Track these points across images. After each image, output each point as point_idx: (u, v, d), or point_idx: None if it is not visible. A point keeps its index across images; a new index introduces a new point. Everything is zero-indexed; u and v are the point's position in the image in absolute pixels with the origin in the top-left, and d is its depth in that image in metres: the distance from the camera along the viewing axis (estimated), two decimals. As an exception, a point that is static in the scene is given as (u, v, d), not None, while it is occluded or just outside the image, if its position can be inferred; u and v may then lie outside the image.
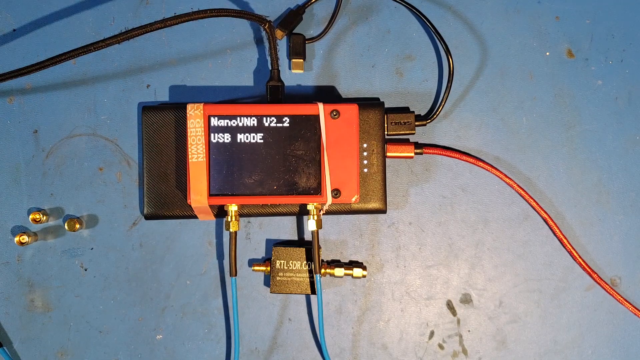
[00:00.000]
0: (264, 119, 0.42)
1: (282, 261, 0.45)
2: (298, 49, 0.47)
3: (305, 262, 0.45)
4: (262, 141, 0.42)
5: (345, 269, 0.45)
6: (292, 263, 0.45)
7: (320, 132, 0.42)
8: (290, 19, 0.47)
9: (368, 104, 0.45)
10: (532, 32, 0.48)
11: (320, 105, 0.42)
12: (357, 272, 0.46)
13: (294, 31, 0.47)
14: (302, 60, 0.47)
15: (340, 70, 0.47)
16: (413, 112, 0.46)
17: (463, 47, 0.48)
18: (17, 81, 0.47)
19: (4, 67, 0.45)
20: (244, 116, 0.42)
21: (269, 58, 0.46)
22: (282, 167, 0.42)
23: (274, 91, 0.45)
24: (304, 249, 0.45)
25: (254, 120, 0.42)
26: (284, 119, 0.42)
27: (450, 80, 0.46)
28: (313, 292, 0.45)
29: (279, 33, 0.46)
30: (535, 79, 0.48)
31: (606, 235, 0.47)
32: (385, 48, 0.48)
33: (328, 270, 0.45)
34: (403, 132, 0.46)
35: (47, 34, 0.47)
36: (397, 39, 0.48)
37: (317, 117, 0.42)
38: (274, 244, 0.46)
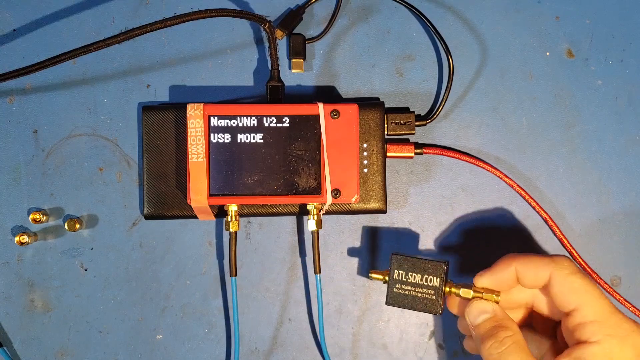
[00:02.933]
0: (264, 119, 0.42)
1: (401, 272, 0.41)
2: (298, 49, 0.47)
3: (427, 276, 0.41)
4: (262, 141, 0.42)
5: (474, 291, 0.40)
6: (411, 275, 0.41)
7: (320, 132, 0.42)
8: (290, 19, 0.47)
9: (368, 104, 0.45)
10: (532, 32, 0.48)
11: (320, 105, 0.42)
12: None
13: (294, 31, 0.47)
14: (302, 60, 0.47)
15: (340, 70, 0.47)
16: (413, 112, 0.46)
17: (463, 47, 0.48)
18: (17, 81, 0.47)
19: (4, 67, 0.45)
20: (244, 116, 0.42)
21: (269, 58, 0.46)
22: (282, 167, 0.42)
23: (274, 91, 0.45)
24: (428, 262, 0.41)
25: (254, 120, 0.42)
26: (284, 119, 0.42)
27: (450, 80, 0.46)
28: (436, 311, 0.40)
29: (279, 33, 0.46)
30: (535, 79, 0.48)
31: (606, 235, 0.47)
32: (385, 48, 0.48)
33: (453, 290, 0.40)
34: (403, 132, 0.46)
35: (47, 34, 0.47)
36: (397, 39, 0.48)
37: (317, 117, 0.42)
38: (393, 253, 0.42)
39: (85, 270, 0.47)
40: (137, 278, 0.47)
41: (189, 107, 0.42)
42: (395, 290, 0.41)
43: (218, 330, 0.46)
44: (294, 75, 0.47)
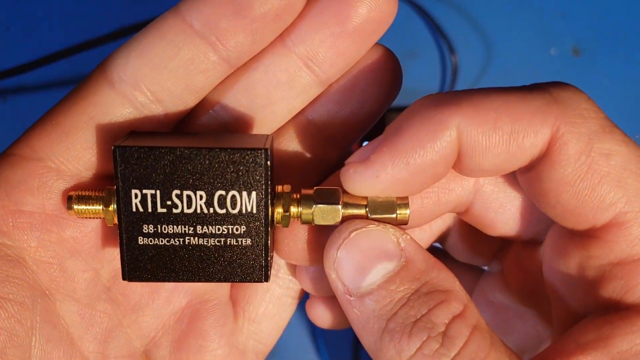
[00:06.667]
0: (265, 119, 0.42)
1: (147, 191, 0.18)
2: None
3: (222, 191, 0.17)
4: (262, 142, 0.42)
5: None
6: (177, 196, 0.17)
7: (322, 133, 0.42)
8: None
9: (370, 103, 0.45)
10: (538, 29, 0.47)
11: (322, 105, 0.42)
12: None
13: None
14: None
15: (341, 69, 0.47)
16: (416, 111, 0.46)
17: (467, 45, 0.47)
18: (12, 80, 0.46)
19: (-3, 66, 0.45)
20: (244, 116, 0.42)
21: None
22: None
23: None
24: (216, 153, 0.17)
25: (254, 120, 0.42)
26: (285, 119, 0.42)
27: (454, 79, 0.46)
28: (260, 275, 0.19)
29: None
30: (540, 77, 0.47)
31: (611, 235, 0.47)
32: (387, 45, 0.47)
33: (294, 210, 0.19)
34: (406, 132, 0.45)
35: (43, 33, 0.47)
36: (399, 37, 0.47)
37: (318, 117, 0.42)
38: (115, 144, 0.19)
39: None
40: (135, 281, 0.46)
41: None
42: (140, 242, 0.17)
43: (218, 333, 0.46)
44: (294, 73, 0.47)
